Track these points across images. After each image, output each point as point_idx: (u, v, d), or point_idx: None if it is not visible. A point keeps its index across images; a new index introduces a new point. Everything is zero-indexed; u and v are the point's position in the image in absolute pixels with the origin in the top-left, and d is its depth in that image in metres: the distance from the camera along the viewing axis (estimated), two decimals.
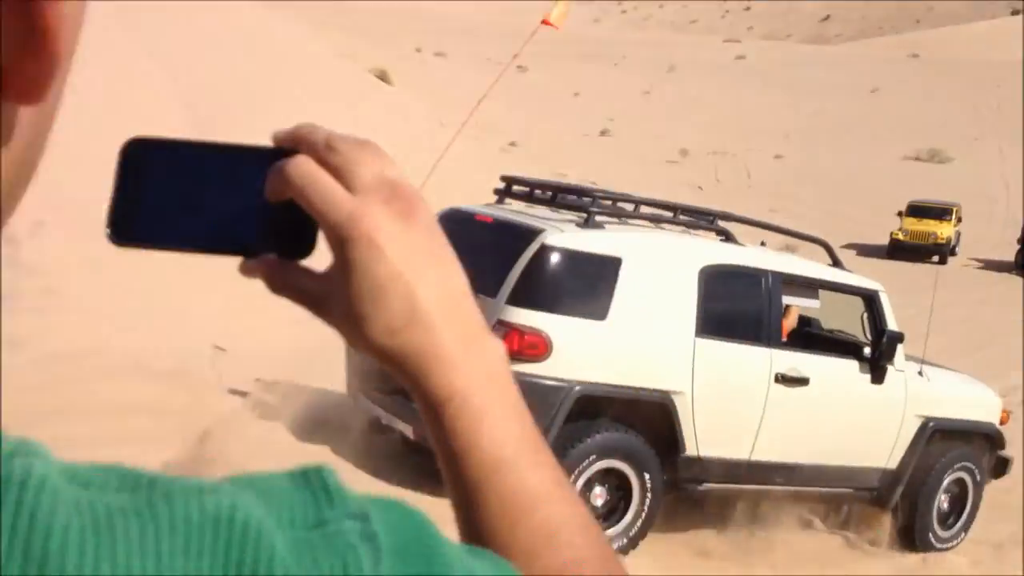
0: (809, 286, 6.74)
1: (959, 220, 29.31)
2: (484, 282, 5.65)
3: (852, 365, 6.62)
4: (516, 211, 6.34)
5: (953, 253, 28.38)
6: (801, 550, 6.28)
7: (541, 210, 6.36)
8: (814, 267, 6.88)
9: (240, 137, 0.67)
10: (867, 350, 6.65)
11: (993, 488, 7.42)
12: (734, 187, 38.44)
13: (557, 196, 6.40)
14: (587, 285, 5.75)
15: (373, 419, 6.32)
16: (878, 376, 6.59)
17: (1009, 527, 7.19)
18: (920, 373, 6.91)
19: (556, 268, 5.71)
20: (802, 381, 6.30)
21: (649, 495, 5.83)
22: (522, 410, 0.63)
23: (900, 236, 28.02)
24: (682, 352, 5.88)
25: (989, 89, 59.56)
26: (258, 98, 17.45)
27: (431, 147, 22.62)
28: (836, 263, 7.11)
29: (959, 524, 7.11)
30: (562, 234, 5.77)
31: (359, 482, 6.27)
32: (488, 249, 5.90)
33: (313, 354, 9.11)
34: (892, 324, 6.66)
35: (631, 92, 56.34)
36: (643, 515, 5.85)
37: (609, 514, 5.79)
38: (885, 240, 28.24)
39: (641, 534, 5.87)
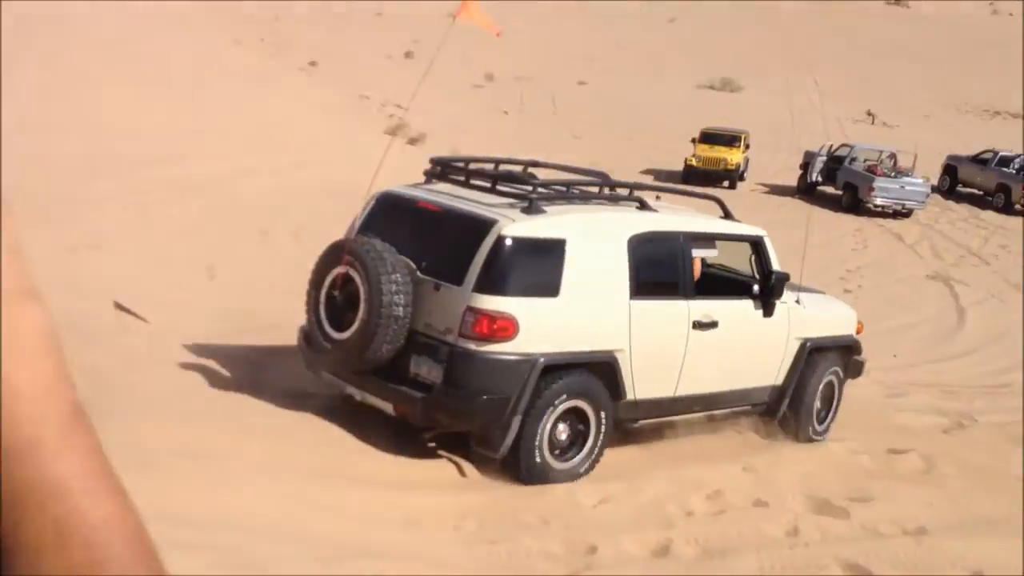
0: (710, 239, 7.60)
1: (747, 147, 30.67)
2: (445, 271, 6.25)
3: (748, 304, 7.65)
4: (455, 196, 6.77)
5: (742, 178, 29.73)
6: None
7: (472, 190, 6.88)
8: (711, 222, 7.78)
9: None
10: (755, 287, 7.71)
11: None
12: (539, 112, 38.83)
13: (496, 183, 6.89)
14: (540, 267, 6.37)
15: (344, 395, 6.72)
16: (769, 310, 7.67)
17: None
18: (797, 301, 7.96)
19: (514, 255, 6.25)
20: (713, 324, 7.22)
21: (603, 427, 6.62)
22: (59, 386, 0.54)
23: (693, 162, 29.07)
24: (620, 315, 6.67)
25: (779, 22, 62.24)
26: None
27: (221, 66, 21.64)
28: (727, 215, 7.97)
29: (829, 418, 8.40)
30: (515, 223, 6.30)
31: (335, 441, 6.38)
32: (441, 237, 6.46)
33: (246, 315, 9.10)
34: (775, 263, 7.73)
35: (436, 14, 55.65)
36: (599, 444, 6.65)
37: (571, 445, 6.57)
38: (680, 166, 29.27)
39: (598, 459, 6.68)
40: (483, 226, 6.26)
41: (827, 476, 7.14)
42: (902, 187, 27.06)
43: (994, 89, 49.15)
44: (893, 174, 27.44)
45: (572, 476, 6.47)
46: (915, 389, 11.72)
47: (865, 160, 28.21)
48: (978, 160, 30.56)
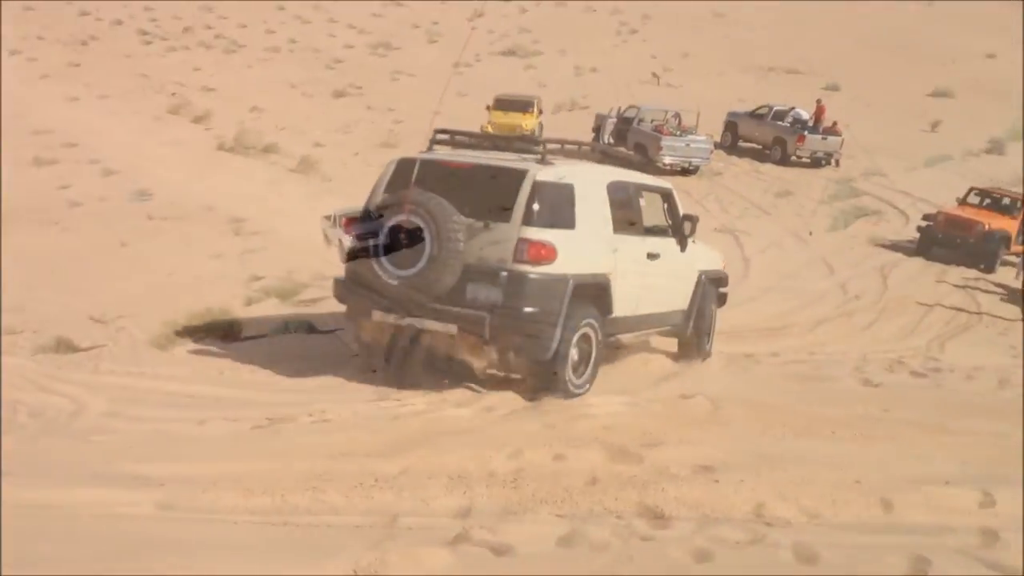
0: (643, 189, 9.33)
1: (541, 112, 31.20)
2: (490, 211, 7.73)
3: (672, 241, 9.45)
4: (472, 156, 8.25)
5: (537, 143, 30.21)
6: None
7: (478, 151, 8.48)
8: (642, 176, 9.83)
9: None
10: (670, 230, 9.54)
11: None
12: (331, 83, 38.11)
13: (506, 144, 8.61)
14: (561, 206, 7.93)
15: (405, 326, 7.94)
16: (683, 247, 9.56)
17: None
18: (693, 241, 9.76)
19: (546, 195, 7.81)
20: (657, 256, 9.00)
21: (600, 347, 8.33)
22: None
23: (490, 129, 29.32)
24: (609, 245, 8.35)
25: None
26: None
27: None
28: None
29: (713, 334, 10.44)
30: (541, 171, 7.87)
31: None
32: (478, 187, 7.85)
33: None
34: (682, 210, 9.62)
35: None
36: (597, 362, 8.37)
37: (579, 364, 8.20)
38: None
39: (595, 375, 8.37)
40: (519, 175, 7.79)
41: (623, 426, 7.36)
42: (687, 145, 28.18)
43: (768, 45, 51.76)
44: (679, 133, 28.52)
45: (588, 384, 8.23)
46: None
47: (652, 120, 29.16)
48: (755, 115, 32.15)
